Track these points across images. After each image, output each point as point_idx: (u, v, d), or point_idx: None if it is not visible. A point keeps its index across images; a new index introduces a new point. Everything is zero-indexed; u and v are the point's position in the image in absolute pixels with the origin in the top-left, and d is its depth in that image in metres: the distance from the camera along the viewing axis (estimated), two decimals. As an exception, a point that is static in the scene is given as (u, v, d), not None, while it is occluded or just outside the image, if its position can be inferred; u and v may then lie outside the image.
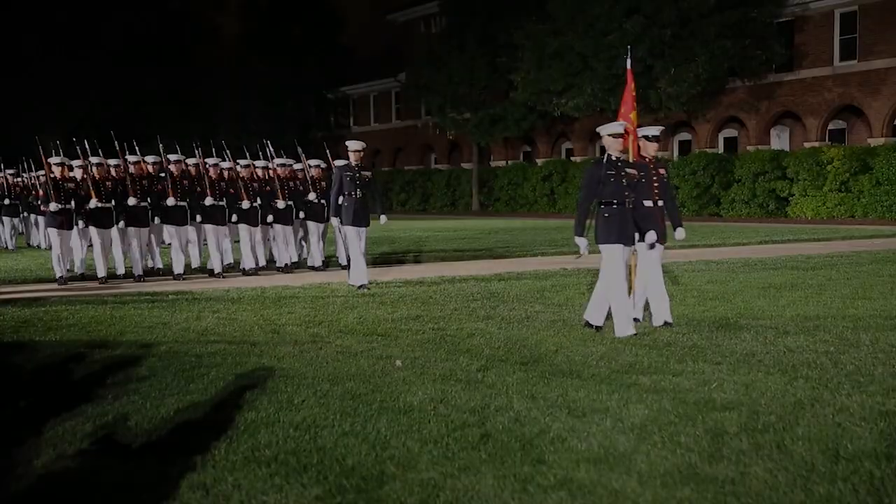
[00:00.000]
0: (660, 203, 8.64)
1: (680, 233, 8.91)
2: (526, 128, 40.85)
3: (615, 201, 8.24)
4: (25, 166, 23.74)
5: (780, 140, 36.38)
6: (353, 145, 12.70)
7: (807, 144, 33.27)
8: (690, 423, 5.20)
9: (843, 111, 34.00)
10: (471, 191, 44.76)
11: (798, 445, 4.77)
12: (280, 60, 50.19)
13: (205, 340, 8.26)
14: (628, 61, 10.32)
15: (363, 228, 12.43)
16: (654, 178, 8.64)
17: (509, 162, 45.72)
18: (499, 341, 7.96)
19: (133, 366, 7.10)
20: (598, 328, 8.42)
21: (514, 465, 4.57)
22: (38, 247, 22.30)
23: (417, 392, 6.03)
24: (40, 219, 22.20)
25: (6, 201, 22.89)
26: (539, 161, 42.99)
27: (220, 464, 4.65)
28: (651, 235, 8.45)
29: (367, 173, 12.79)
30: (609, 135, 8.35)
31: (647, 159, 8.74)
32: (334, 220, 12.50)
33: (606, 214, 8.23)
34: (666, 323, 8.60)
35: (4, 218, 23.06)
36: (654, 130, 8.86)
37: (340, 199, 12.35)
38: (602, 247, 8.28)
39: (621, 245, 8.22)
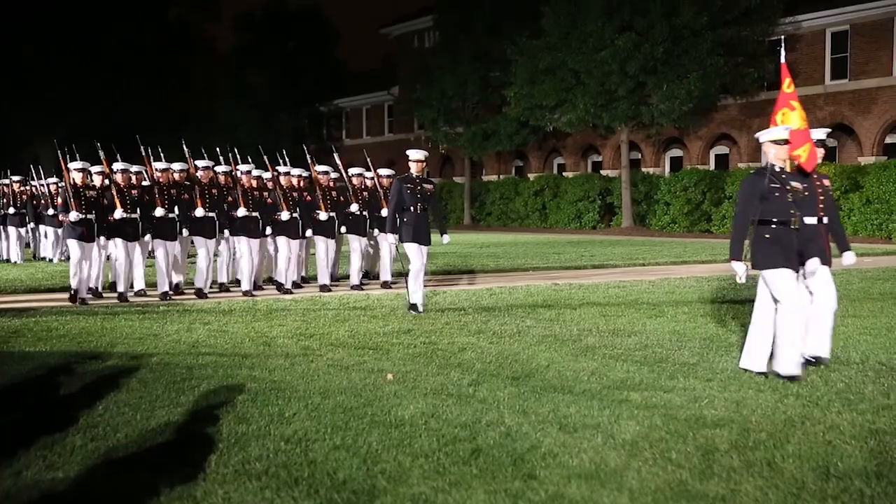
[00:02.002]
0: (825, 220, 7.60)
1: (849, 257, 7.69)
2: (518, 142, 40.93)
3: (777, 220, 7.05)
4: (33, 174, 22.27)
5: (771, 157, 36.51)
6: (415, 154, 11.42)
7: (798, 162, 33.39)
8: (681, 440, 5.20)
9: (834, 130, 34.11)
10: (462, 205, 44.80)
11: (788, 463, 4.78)
12: (274, 73, 50.28)
13: (196, 352, 8.24)
14: (782, 53, 8.50)
15: (425, 247, 11.20)
16: (819, 190, 7.59)
17: (501, 176, 45.79)
18: (490, 356, 7.95)
19: (123, 377, 7.07)
20: (763, 374, 7.03)
21: (505, 480, 4.57)
22: (47, 259, 20.99)
23: (409, 406, 6.02)
24: (49, 229, 20.98)
25: (11, 210, 21.13)
26: (531, 176, 43.07)
27: (210, 477, 4.63)
28: (813, 263, 7.38)
29: (430, 186, 11.50)
30: (772, 141, 7.17)
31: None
32: (391, 237, 11.47)
33: (767, 235, 7.05)
34: (817, 359, 7.41)
35: (10, 228, 21.27)
36: (821, 134, 7.86)
37: (398, 213, 11.19)
38: (764, 272, 7.13)
39: (787, 270, 7.02)
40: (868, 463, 4.78)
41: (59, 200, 13.08)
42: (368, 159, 15.14)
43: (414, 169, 11.34)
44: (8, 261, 21.04)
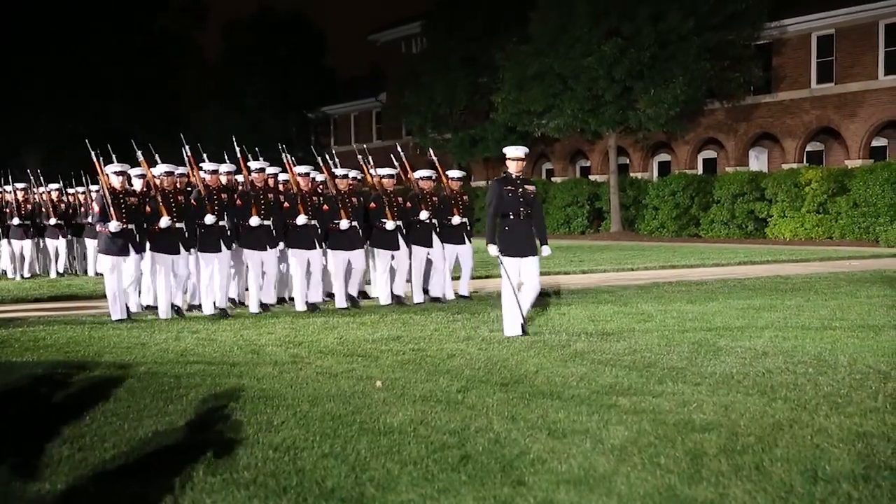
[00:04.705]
0: None
1: None
2: (506, 148, 41.01)
3: None
4: (37, 181, 20.75)
5: (758, 161, 36.66)
6: (514, 152, 9.98)
7: (785, 166, 33.53)
8: (670, 445, 5.21)
9: (821, 133, 34.32)
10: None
11: (777, 467, 4.79)
12: (263, 79, 50.21)
13: (184, 361, 8.22)
14: None
15: (530, 259, 9.67)
16: None
17: (490, 182, 45.84)
18: (479, 362, 7.95)
19: (111, 387, 7.04)
20: None
21: (494, 486, 4.56)
22: (47, 274, 19.46)
23: (397, 413, 6.01)
24: (49, 242, 19.53)
25: (15, 221, 18.98)
26: (519, 181, 43.14)
27: (198, 486, 4.61)
28: None
29: (532, 188, 10.00)
30: None
31: None
32: (492, 249, 9.64)
33: None
34: None
35: (14, 241, 19.17)
36: None
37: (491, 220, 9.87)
38: None
39: None
40: (856, 466, 4.79)
41: (96, 208, 11.48)
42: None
43: (513, 168, 9.92)
44: (18, 277, 19.17)
